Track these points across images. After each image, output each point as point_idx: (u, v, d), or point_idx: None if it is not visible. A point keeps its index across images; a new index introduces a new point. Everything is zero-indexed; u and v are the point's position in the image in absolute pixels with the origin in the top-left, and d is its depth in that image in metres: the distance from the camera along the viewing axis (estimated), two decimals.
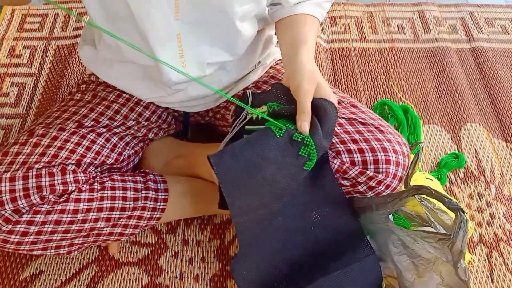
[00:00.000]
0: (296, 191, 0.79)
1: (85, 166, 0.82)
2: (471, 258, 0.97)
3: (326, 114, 0.72)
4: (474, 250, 0.97)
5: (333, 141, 0.82)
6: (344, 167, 0.80)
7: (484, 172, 1.09)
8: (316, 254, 0.83)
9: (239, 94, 0.98)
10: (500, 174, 1.09)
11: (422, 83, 1.27)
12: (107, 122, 0.89)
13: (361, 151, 0.80)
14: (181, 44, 0.79)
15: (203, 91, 0.93)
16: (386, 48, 1.35)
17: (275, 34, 0.93)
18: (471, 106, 1.22)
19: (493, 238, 0.99)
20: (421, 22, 1.43)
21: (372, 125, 0.83)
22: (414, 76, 1.29)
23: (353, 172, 0.80)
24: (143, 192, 0.86)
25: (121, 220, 0.84)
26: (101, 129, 0.87)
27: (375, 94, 1.24)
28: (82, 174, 0.80)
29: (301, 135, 0.70)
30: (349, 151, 0.80)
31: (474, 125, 1.18)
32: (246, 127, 0.80)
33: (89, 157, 0.83)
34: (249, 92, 0.83)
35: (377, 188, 0.80)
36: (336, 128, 0.83)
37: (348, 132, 0.82)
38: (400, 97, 1.23)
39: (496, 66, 1.31)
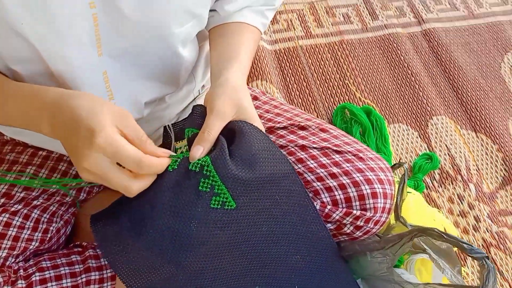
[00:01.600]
0: (271, 241, 0.66)
1: (1, 261, 0.64)
2: (464, 271, 0.89)
3: (242, 137, 0.57)
4: (466, 261, 0.89)
5: (308, 178, 0.69)
6: (326, 210, 0.67)
7: (460, 170, 1.01)
8: None
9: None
10: (476, 170, 1.02)
11: (379, 76, 1.17)
12: (22, 194, 0.70)
13: (342, 187, 0.67)
14: (109, 85, 0.63)
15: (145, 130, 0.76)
16: (335, 42, 1.23)
17: None
18: (433, 97, 1.14)
19: (482, 245, 0.91)
20: (366, 8, 1.32)
21: (349, 152, 0.71)
22: (369, 70, 1.18)
23: (337, 215, 0.67)
24: (83, 276, 0.69)
25: None
26: (16, 205, 0.68)
27: (332, 97, 1.12)
28: None
29: (199, 163, 0.54)
30: (329, 189, 0.68)
31: (440, 118, 1.10)
32: None
33: (4, 249, 0.65)
34: (168, 126, 0.68)
35: (365, 227, 0.69)
36: (308, 162, 0.70)
37: (323, 165, 0.69)
38: (359, 97, 1.12)
39: (451, 48, 1.23)
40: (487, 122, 1.09)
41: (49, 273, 0.67)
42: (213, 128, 0.56)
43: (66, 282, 0.67)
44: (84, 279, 0.69)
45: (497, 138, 1.06)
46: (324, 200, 0.68)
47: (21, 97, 0.56)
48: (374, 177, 0.68)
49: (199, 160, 0.55)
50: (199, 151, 0.54)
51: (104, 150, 0.48)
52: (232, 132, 0.58)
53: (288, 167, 0.62)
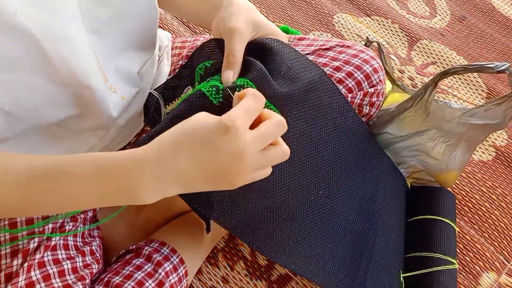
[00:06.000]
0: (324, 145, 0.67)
1: None
2: None
3: (273, 53, 0.57)
4: None
5: None
6: (349, 99, 0.72)
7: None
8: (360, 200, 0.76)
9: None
10: (388, 44, 1.17)
11: None
12: (50, 225, 0.58)
13: (350, 74, 0.72)
14: (100, 66, 0.55)
15: (129, 111, 0.69)
16: None
17: None
18: (324, 1, 1.24)
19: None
20: None
21: (336, 45, 0.76)
22: None
23: (358, 99, 0.72)
24: (160, 270, 0.63)
25: None
26: (53, 239, 0.57)
27: None
28: None
29: (241, 86, 0.52)
30: (340, 81, 0.72)
31: (339, 15, 1.21)
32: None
33: (75, 283, 0.55)
34: (153, 92, 0.66)
35: (377, 101, 0.75)
36: None
37: (325, 64, 0.73)
38: None
39: None
40: (371, 5, 1.24)
41: (129, 283, 0.59)
42: (236, 50, 0.53)
43: (150, 284, 0.60)
44: (162, 273, 0.62)
45: (387, 14, 1.23)
46: (342, 92, 0.72)
47: (99, 167, 0.44)
48: (367, 57, 0.75)
49: (240, 83, 0.52)
50: (230, 75, 0.52)
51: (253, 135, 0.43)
52: (259, 51, 0.57)
53: (319, 69, 0.64)
